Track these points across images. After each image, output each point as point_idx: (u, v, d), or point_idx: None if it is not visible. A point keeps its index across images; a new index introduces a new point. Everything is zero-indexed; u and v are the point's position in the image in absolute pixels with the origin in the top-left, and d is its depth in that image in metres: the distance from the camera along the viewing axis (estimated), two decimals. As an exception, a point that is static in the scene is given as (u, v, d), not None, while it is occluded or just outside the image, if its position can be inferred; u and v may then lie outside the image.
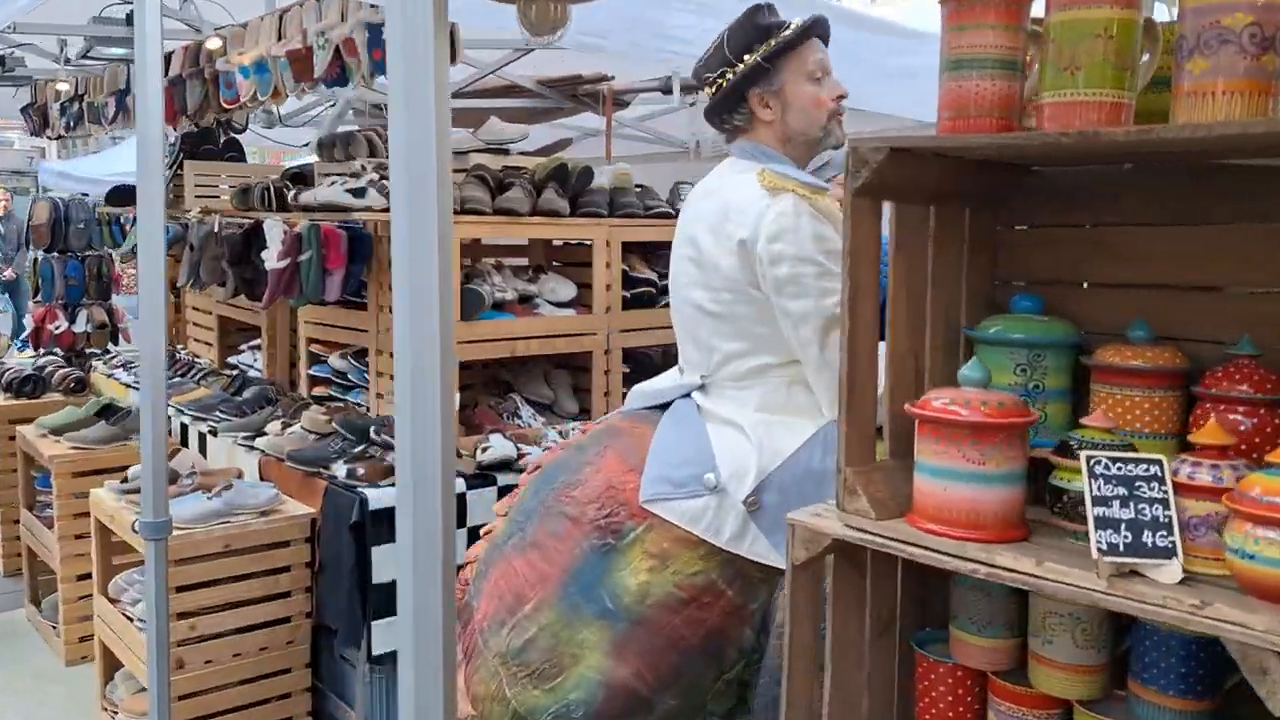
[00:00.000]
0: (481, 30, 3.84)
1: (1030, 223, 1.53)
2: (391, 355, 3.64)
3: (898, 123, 4.51)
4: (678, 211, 3.88)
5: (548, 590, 1.99)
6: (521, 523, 2.11)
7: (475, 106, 4.89)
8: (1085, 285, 1.48)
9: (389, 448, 3.27)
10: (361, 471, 3.17)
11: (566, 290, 3.81)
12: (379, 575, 3.12)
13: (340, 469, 3.21)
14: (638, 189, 4.00)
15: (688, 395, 2.26)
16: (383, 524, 3.12)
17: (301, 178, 4.63)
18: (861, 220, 1.30)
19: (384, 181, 3.32)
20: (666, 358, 4.25)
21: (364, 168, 3.61)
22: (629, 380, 3.94)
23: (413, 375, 1.18)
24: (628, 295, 3.88)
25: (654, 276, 3.95)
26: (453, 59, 3.17)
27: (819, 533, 1.33)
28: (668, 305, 3.92)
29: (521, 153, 3.92)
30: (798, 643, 1.40)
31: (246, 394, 4.26)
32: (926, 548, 1.24)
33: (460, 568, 2.19)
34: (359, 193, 3.27)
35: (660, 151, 5.61)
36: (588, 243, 3.84)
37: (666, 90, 4.84)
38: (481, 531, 2.26)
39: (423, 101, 1.16)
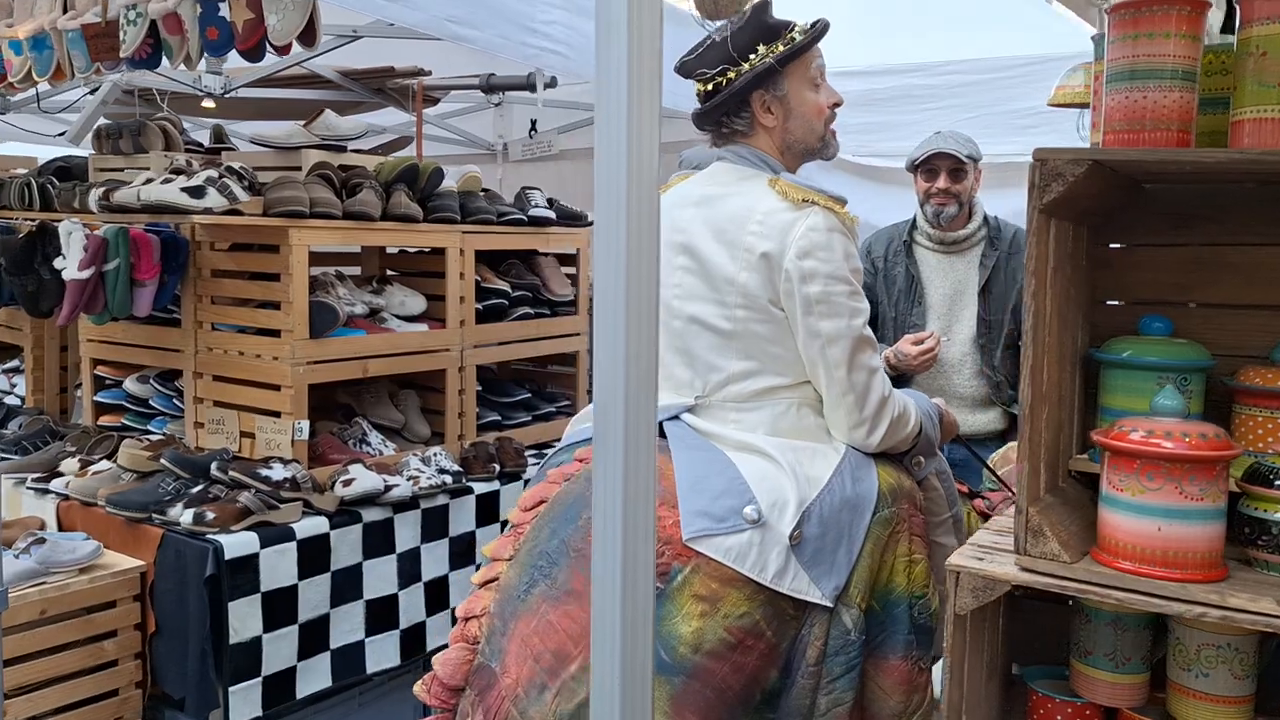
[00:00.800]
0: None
1: (1128, 240, 1.49)
2: (217, 379, 3.20)
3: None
4: (531, 219, 3.70)
5: (587, 641, 1.76)
6: (546, 568, 1.84)
7: (268, 97, 4.42)
8: (1193, 305, 1.45)
9: (239, 486, 2.84)
10: (211, 515, 2.73)
11: (416, 303, 3.48)
12: (240, 633, 2.70)
13: (183, 514, 2.75)
14: (483, 193, 3.74)
15: (674, 418, 2.08)
16: (243, 574, 2.71)
17: (69, 172, 3.99)
18: (1045, 239, 1.19)
19: (226, 180, 2.88)
20: (505, 372, 4.00)
21: (189, 163, 3.13)
22: (480, 400, 3.67)
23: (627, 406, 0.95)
24: (480, 308, 3.60)
25: (506, 287, 3.70)
26: (311, 41, 2.80)
27: (994, 579, 1.21)
28: (523, 318, 3.74)
29: (356, 150, 3.55)
30: (954, 700, 1.27)
31: (12, 426, 3.60)
32: (1142, 592, 1.14)
33: (466, 620, 1.88)
34: (197, 192, 2.81)
35: (468, 153, 5.32)
36: (423, 250, 3.54)
37: (488, 89, 4.58)
38: (475, 579, 1.96)
39: (645, 112, 0.94)
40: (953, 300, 3.22)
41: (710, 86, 2.07)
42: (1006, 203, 3.99)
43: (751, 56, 2.07)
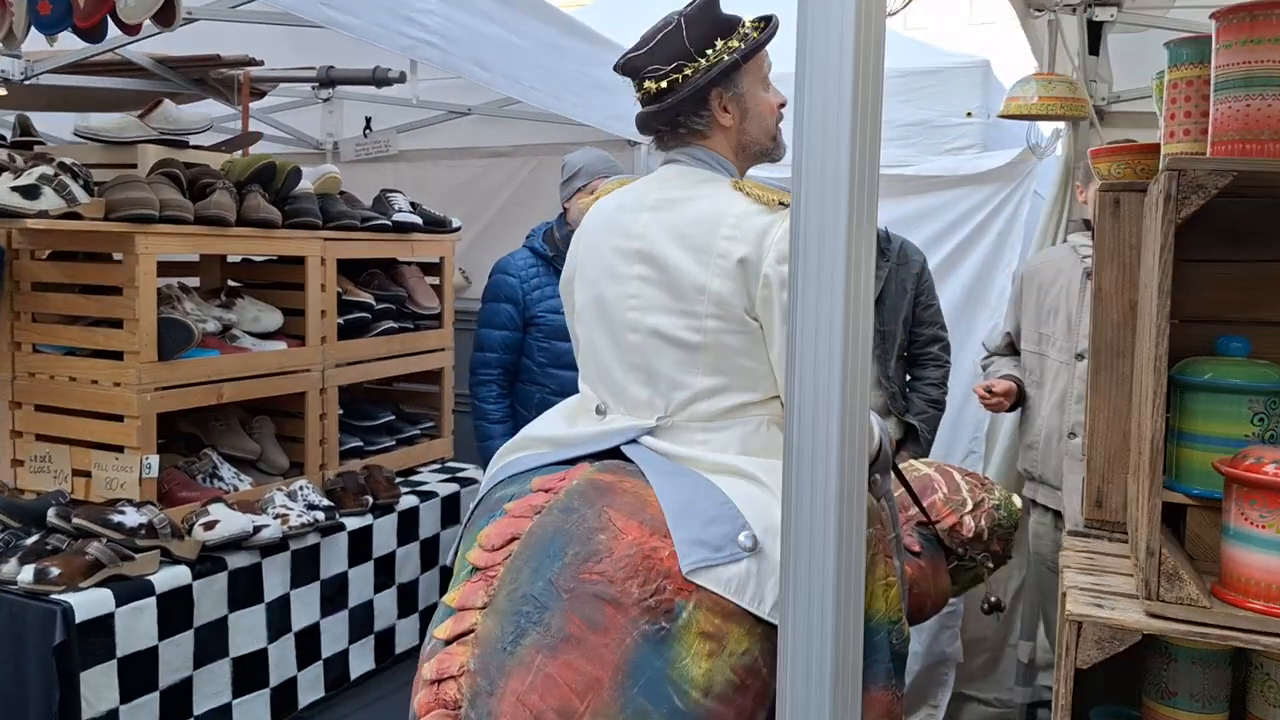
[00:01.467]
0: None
1: (1188, 257, 1.42)
2: (41, 409, 2.73)
3: (595, 134, 4.34)
4: (396, 225, 3.40)
5: (603, 696, 1.53)
6: (534, 615, 1.60)
7: (70, 85, 3.89)
8: (1259, 323, 1.40)
9: (85, 534, 2.43)
10: (56, 571, 2.31)
11: (271, 318, 3.12)
12: (94, 705, 2.31)
13: (19, 571, 2.31)
14: (340, 195, 3.41)
15: (631, 441, 1.89)
16: (96, 638, 2.31)
17: None
18: (1171, 257, 1.10)
19: (63, 178, 2.46)
20: (360, 392, 3.67)
21: (11, 157, 2.66)
22: (339, 424, 3.34)
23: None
24: (341, 323, 3.27)
25: (370, 300, 3.38)
26: (169, 20, 2.43)
27: (1123, 629, 1.10)
28: (387, 332, 3.43)
29: (197, 146, 3.15)
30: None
31: None
32: (1290, 637, 1.06)
33: (439, 682, 1.61)
34: (30, 192, 2.38)
35: (295, 152, 4.90)
36: (270, 258, 3.19)
37: (327, 82, 4.21)
38: (440, 634, 1.68)
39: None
40: None
41: (665, 84, 1.91)
42: (882, 213, 4.02)
43: (709, 52, 1.93)
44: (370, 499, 3.12)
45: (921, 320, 3.21)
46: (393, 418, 3.56)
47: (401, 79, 4.06)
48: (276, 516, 2.81)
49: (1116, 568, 1.34)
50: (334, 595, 2.99)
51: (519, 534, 1.70)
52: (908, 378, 3.30)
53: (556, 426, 2.05)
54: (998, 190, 3.68)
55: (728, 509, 1.71)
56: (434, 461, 3.72)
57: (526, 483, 1.86)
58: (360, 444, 3.42)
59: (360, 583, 3.09)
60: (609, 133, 4.34)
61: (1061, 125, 3.58)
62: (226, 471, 3.00)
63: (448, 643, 1.65)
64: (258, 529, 2.69)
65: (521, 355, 3.25)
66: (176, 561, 2.55)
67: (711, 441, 1.87)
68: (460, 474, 3.64)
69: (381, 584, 3.17)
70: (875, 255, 3.05)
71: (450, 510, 3.45)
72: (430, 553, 3.37)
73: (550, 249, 3.22)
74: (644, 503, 1.72)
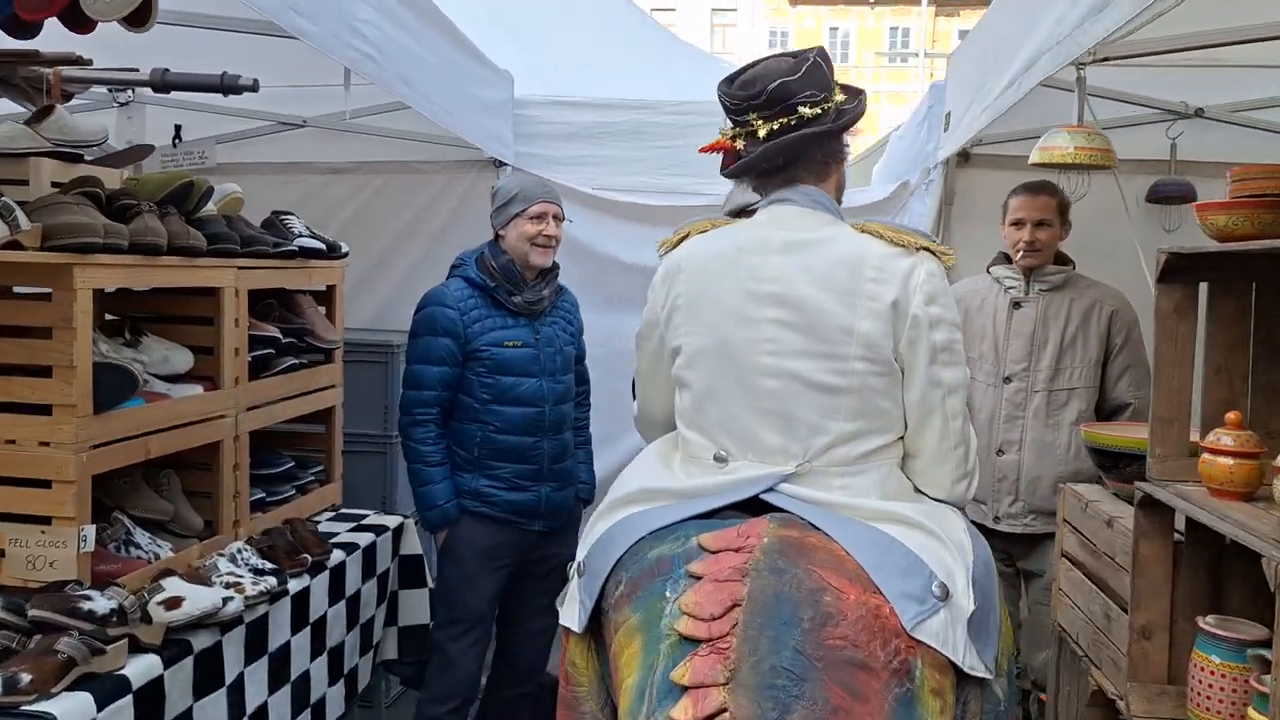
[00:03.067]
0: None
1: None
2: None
3: (457, 153, 4.18)
4: (302, 250, 3.10)
5: None
6: (792, 689, 1.49)
7: None
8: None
9: (48, 628, 2.02)
10: (27, 678, 1.91)
11: (180, 358, 2.73)
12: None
13: (-19, 683, 1.88)
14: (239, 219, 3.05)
15: (768, 490, 1.85)
16: (86, 757, 1.93)
17: None
18: None
19: (7, 200, 2.03)
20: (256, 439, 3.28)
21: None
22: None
23: None
24: (249, 361, 2.93)
25: (276, 334, 3.04)
26: (144, 21, 2.09)
27: None
28: (290, 369, 3.10)
29: (90, 162, 2.71)
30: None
31: None
32: None
33: None
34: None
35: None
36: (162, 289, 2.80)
37: (162, 87, 3.73)
38: (672, 714, 1.51)
39: None
40: None
41: (820, 110, 1.90)
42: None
43: (839, 94, 1.95)
44: (308, 557, 2.81)
45: None
46: (292, 464, 3.22)
47: (254, 87, 3.69)
48: (228, 586, 2.47)
49: None
50: (279, 669, 2.67)
51: (738, 599, 1.60)
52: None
53: (668, 477, 1.95)
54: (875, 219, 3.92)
55: (913, 559, 1.71)
56: (326, 509, 3.41)
57: (686, 541, 1.75)
58: (263, 495, 3.07)
59: (300, 652, 2.78)
60: (485, 154, 4.18)
61: (937, 165, 3.89)
62: (141, 537, 2.59)
63: None
64: (226, 601, 2.35)
65: (459, 392, 3.04)
66: (143, 649, 2.18)
67: (851, 487, 1.85)
68: (364, 521, 3.36)
69: (315, 650, 2.86)
70: None
71: (369, 563, 3.18)
72: (354, 611, 3.08)
73: (489, 278, 3.04)
74: (840, 558, 1.67)
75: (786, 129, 1.92)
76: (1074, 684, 2.45)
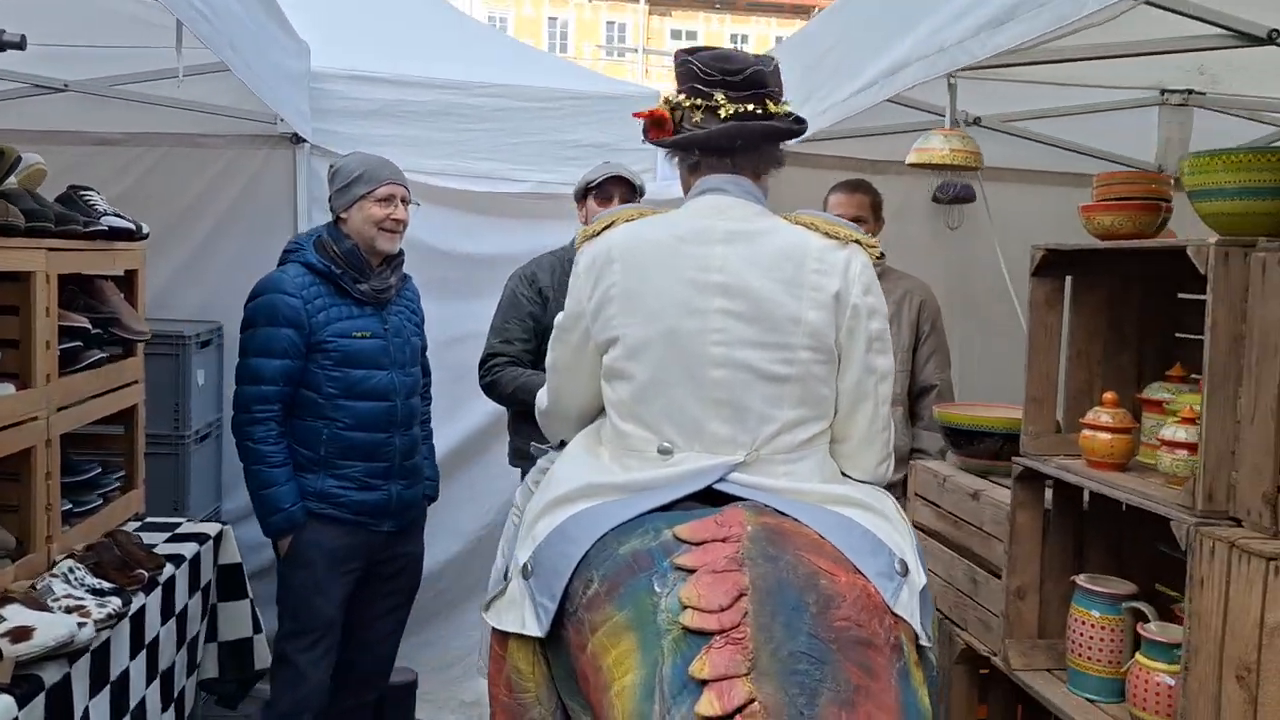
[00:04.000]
0: None
1: None
2: None
3: (244, 126, 3.89)
4: (113, 231, 2.79)
5: None
6: (813, 672, 1.47)
7: None
8: None
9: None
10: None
11: (-17, 353, 2.38)
12: None
13: None
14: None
15: (720, 479, 1.86)
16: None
17: None
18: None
19: None
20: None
21: None
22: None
23: None
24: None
25: (85, 325, 2.71)
26: None
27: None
28: (96, 364, 2.77)
29: None
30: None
31: None
32: None
33: None
34: None
35: None
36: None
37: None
38: (698, 710, 1.46)
39: None
40: None
41: (779, 109, 1.93)
42: (550, 234, 4.10)
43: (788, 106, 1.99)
44: (144, 574, 2.53)
45: None
46: (100, 469, 2.88)
47: (21, 44, 3.26)
48: (71, 611, 2.19)
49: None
50: (119, 699, 2.40)
51: (743, 588, 1.59)
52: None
53: (609, 471, 1.92)
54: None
55: (873, 539, 1.77)
56: (130, 519, 3.07)
57: (657, 534, 1.72)
58: (70, 505, 2.73)
59: (137, 678, 2.51)
60: (278, 129, 3.90)
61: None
62: (-53, 561, 2.24)
63: (719, 719, 1.49)
64: (79, 628, 2.08)
65: (300, 387, 2.82)
66: (-6, 690, 1.89)
67: (794, 473, 1.89)
68: (179, 530, 3.07)
69: (150, 675, 2.59)
70: None
71: (194, 575, 2.90)
72: (182, 628, 2.81)
73: (334, 265, 2.84)
74: (817, 542, 1.70)
75: (749, 115, 1.93)
76: (940, 645, 2.65)
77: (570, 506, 1.87)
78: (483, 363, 3.17)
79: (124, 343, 2.93)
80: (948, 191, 4.05)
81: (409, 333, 3.03)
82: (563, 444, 2.29)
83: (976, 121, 3.98)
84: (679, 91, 2.01)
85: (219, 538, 3.11)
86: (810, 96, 3.19)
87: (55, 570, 2.34)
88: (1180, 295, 2.31)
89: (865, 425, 1.97)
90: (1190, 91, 3.88)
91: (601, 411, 2.16)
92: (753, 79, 1.93)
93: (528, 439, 3.08)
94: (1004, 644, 2.33)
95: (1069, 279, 2.30)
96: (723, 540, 1.67)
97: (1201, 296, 1.91)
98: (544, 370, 2.97)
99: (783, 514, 1.77)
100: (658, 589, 1.65)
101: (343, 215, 2.91)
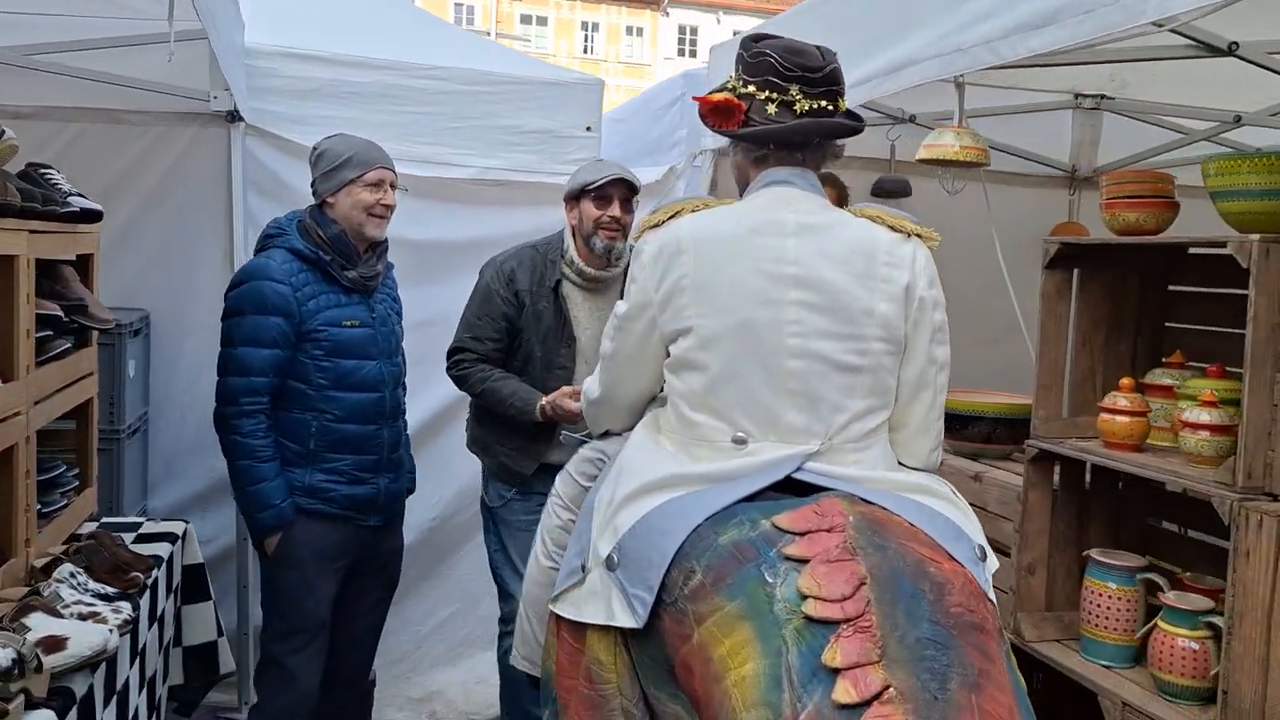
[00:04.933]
0: None
1: None
2: None
3: (160, 101, 3.70)
4: (83, 213, 2.62)
5: (1020, 718, 1.55)
6: (940, 657, 1.51)
7: None
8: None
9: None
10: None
11: (-35, 343, 2.20)
12: None
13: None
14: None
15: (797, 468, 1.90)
16: None
17: None
18: None
19: None
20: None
21: None
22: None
23: None
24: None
25: (58, 312, 2.52)
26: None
27: None
28: (65, 353, 2.59)
29: None
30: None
31: None
32: None
33: None
34: None
35: None
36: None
37: None
38: (835, 698, 1.48)
39: None
40: (600, 343, 3.14)
41: (842, 104, 1.98)
42: (494, 222, 4.04)
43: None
44: (139, 576, 2.38)
45: None
46: (64, 467, 2.69)
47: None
48: (85, 618, 2.05)
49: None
50: (123, 709, 2.26)
51: (862, 577, 1.62)
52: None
53: (694, 462, 1.90)
54: (647, 203, 4.01)
55: (954, 525, 1.83)
56: (88, 519, 2.88)
57: (755, 525, 1.72)
58: (39, 506, 2.53)
59: (134, 688, 2.37)
60: (211, 106, 3.69)
61: (704, 151, 4.08)
62: (-64, 571, 2.06)
63: (855, 706, 1.52)
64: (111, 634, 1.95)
65: (287, 378, 2.70)
66: (33, 704, 1.76)
67: (862, 461, 1.93)
68: (143, 530, 2.90)
69: (140, 683, 2.45)
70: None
71: (170, 577, 2.75)
72: (162, 633, 2.66)
73: (324, 251, 2.72)
74: (911, 530, 1.75)
75: (823, 112, 1.97)
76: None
77: (653, 497, 1.87)
78: (452, 353, 3.07)
79: (83, 331, 2.74)
80: (885, 186, 4.19)
81: (393, 321, 2.94)
82: (606, 434, 2.29)
83: (912, 119, 4.14)
84: (747, 82, 2.02)
85: (184, 537, 2.95)
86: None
87: (58, 575, 2.17)
88: (1171, 288, 2.49)
89: (923, 414, 2.03)
90: (1102, 97, 4.16)
91: (650, 402, 2.18)
92: (830, 76, 1.97)
93: (490, 430, 3.05)
94: (1015, 617, 2.46)
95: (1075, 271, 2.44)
96: (828, 530, 1.70)
97: (1194, 289, 2.08)
98: (512, 373, 2.99)
99: (872, 503, 1.82)
100: (769, 579, 1.65)
101: (329, 200, 2.79)
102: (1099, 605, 2.30)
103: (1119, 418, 2.25)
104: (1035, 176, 4.55)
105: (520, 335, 3.01)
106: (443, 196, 4.08)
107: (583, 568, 1.92)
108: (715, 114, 2.06)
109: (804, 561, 1.65)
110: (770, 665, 1.59)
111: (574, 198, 3.04)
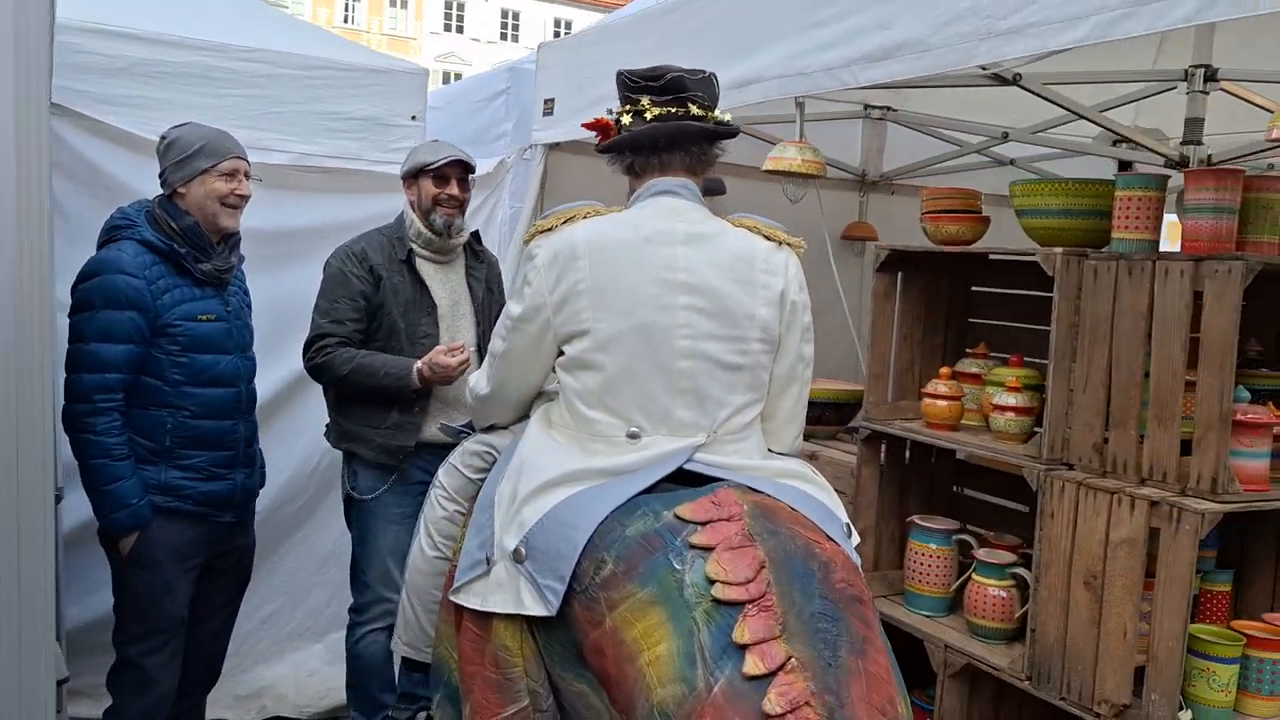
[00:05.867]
0: None
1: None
2: None
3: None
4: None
5: (895, 678, 1.79)
6: (831, 629, 1.71)
7: None
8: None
9: None
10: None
11: None
12: None
13: None
14: None
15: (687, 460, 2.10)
16: None
17: None
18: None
19: None
20: None
21: None
22: None
23: None
24: None
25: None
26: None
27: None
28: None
29: None
30: None
31: None
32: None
33: (793, 710, 1.64)
34: None
35: None
36: None
37: None
38: (745, 671, 1.66)
39: None
40: (454, 309, 3.23)
41: (703, 112, 2.15)
42: (320, 209, 4.01)
43: (717, 114, 2.22)
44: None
45: None
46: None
47: None
48: None
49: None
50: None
51: (762, 562, 1.78)
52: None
53: (589, 458, 2.03)
54: (479, 195, 4.07)
55: (824, 507, 2.06)
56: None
57: (657, 516, 1.85)
58: None
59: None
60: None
61: (534, 146, 4.18)
62: None
63: (763, 677, 1.69)
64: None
65: (141, 374, 2.62)
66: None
67: (741, 451, 2.12)
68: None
69: None
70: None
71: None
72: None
73: (177, 242, 2.65)
74: (793, 514, 1.95)
75: (672, 116, 2.14)
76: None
77: (556, 492, 1.99)
78: (310, 344, 3.07)
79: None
80: (705, 186, 4.45)
81: (246, 315, 2.92)
82: (491, 428, 2.40)
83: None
84: (616, 103, 2.21)
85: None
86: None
87: None
88: (974, 288, 2.87)
89: (791, 405, 2.27)
90: (888, 109, 4.59)
91: (537, 397, 2.31)
92: (672, 84, 2.14)
93: (360, 417, 3.08)
94: (848, 579, 2.77)
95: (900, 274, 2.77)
96: (727, 519, 1.87)
97: (996, 290, 2.44)
98: (378, 349, 3.03)
99: (760, 492, 2.02)
100: (678, 566, 1.82)
101: (180, 190, 2.74)
102: (920, 564, 2.65)
103: (939, 402, 2.60)
104: (829, 180, 4.95)
105: (381, 310, 3.07)
106: (270, 183, 4.00)
107: (487, 560, 2.03)
108: (598, 133, 2.23)
109: (709, 549, 1.82)
110: (683, 645, 1.75)
111: (412, 176, 3.17)
